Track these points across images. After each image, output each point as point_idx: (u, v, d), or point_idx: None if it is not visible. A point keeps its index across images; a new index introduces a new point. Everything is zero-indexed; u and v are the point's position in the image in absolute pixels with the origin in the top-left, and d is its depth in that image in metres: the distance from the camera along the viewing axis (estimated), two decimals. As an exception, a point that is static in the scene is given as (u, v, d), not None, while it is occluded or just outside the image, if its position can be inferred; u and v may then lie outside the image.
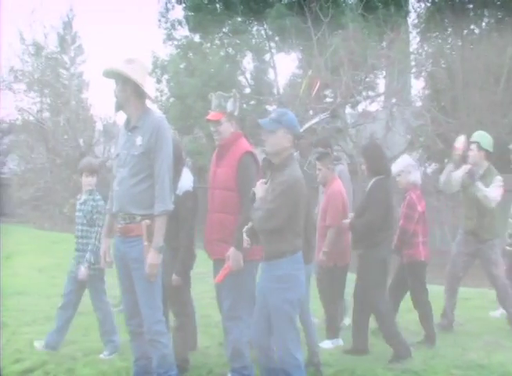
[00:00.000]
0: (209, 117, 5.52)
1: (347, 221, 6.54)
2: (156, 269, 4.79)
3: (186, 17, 21.29)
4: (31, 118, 23.66)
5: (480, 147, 7.24)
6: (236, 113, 5.52)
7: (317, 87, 4.70)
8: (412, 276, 7.08)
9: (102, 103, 47.83)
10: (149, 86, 5.10)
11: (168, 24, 22.18)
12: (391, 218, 6.46)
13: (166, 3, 21.99)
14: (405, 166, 7.08)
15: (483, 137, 7.34)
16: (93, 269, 6.33)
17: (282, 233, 4.75)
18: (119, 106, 5.05)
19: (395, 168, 7.10)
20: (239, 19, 20.81)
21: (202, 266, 5.85)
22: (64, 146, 19.85)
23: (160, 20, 22.22)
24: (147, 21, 57.44)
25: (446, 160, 16.16)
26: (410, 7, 19.22)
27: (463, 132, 7.77)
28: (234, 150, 5.40)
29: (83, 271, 6.29)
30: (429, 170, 15.91)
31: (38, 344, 6.50)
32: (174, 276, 5.68)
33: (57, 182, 20.25)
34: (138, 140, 4.87)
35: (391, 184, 6.68)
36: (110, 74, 4.97)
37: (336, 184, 7.04)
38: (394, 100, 14.92)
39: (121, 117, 6.04)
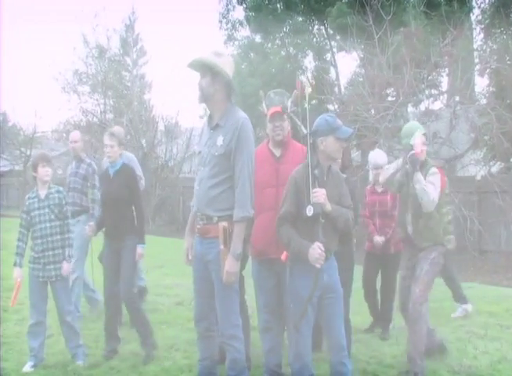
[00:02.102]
0: (277, 109, 5.35)
1: None
2: (233, 277, 4.61)
3: (247, 17, 21.35)
4: (95, 119, 24.13)
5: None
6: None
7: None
8: (395, 266, 7.21)
9: (164, 103, 48.35)
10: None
11: (229, 25, 22.31)
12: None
13: (227, 4, 22.11)
14: (386, 161, 7.20)
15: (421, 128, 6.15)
16: (61, 269, 6.06)
17: None
18: (203, 99, 4.83)
19: (378, 161, 7.18)
20: (300, 18, 20.79)
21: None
22: (127, 147, 20.02)
23: (221, 21, 22.37)
24: (208, 22, 58.04)
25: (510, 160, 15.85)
26: (474, 3, 18.89)
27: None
28: (294, 148, 5.39)
29: (67, 267, 6.07)
30: (494, 169, 15.60)
31: (27, 366, 6.06)
32: None
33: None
34: (219, 140, 4.70)
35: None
36: (199, 65, 4.76)
37: None
38: (457, 98, 14.65)
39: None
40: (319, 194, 4.55)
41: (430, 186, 5.67)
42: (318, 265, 4.54)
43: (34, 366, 6.02)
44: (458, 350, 6.57)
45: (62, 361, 6.18)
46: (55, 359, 6.03)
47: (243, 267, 5.82)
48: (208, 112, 5.02)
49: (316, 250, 4.53)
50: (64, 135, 27.15)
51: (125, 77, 29.29)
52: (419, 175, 5.72)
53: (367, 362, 6.12)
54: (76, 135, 8.58)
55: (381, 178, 6.28)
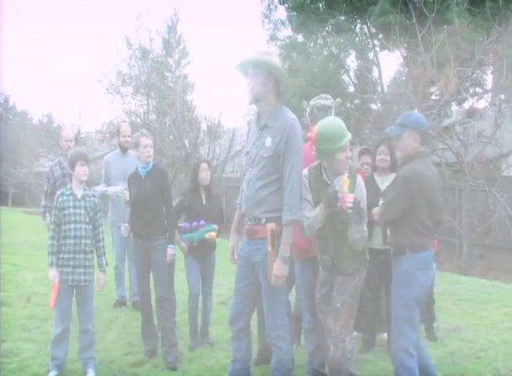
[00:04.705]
0: None
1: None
2: (281, 281, 4.57)
3: (289, 17, 21.38)
4: (138, 120, 24.29)
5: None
6: None
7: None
8: None
9: (206, 103, 48.50)
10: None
11: (271, 25, 22.41)
12: None
13: (269, 4, 22.16)
14: None
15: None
16: (90, 274, 5.84)
17: (401, 226, 4.83)
18: (255, 100, 4.73)
19: None
20: (342, 17, 20.74)
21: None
22: (170, 147, 20.22)
23: (263, 21, 22.45)
24: (250, 22, 58.24)
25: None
26: (519, -2, 18.61)
27: None
28: None
29: (103, 278, 5.88)
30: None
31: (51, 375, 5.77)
32: None
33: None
34: (268, 141, 4.64)
35: None
36: (251, 65, 4.67)
37: None
38: (502, 96, 14.44)
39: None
40: None
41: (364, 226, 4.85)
42: None
43: (59, 374, 5.78)
44: (504, 353, 6.48)
45: (107, 358, 6.24)
46: (100, 357, 6.07)
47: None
48: (253, 112, 4.96)
49: None
50: (108, 135, 27.44)
51: (168, 78, 29.40)
52: (364, 225, 4.84)
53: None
54: (70, 133, 8.38)
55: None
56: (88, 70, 52.40)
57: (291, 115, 4.69)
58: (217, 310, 7.04)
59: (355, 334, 6.31)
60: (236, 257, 5.06)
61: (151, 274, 6.40)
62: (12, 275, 10.81)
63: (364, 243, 4.91)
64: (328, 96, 5.53)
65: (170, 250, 6.29)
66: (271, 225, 4.58)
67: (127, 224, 6.50)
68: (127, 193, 6.78)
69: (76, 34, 79.96)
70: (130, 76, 27.19)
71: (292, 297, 6.14)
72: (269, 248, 4.57)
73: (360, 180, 4.91)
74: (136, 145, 6.48)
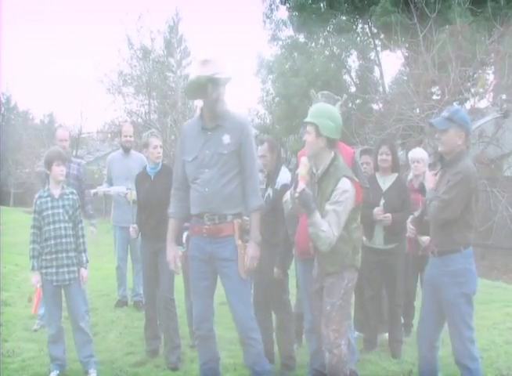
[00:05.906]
0: None
1: (389, 215, 6.32)
2: (256, 262, 4.77)
3: (291, 17, 21.33)
4: (140, 120, 24.31)
5: (318, 133, 4.63)
6: None
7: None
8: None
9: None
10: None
11: (273, 25, 22.36)
12: None
13: (270, 4, 22.13)
14: (426, 155, 7.11)
15: (322, 117, 4.66)
16: (74, 272, 5.78)
17: (456, 224, 4.81)
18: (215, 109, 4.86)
19: (416, 154, 7.05)
20: (344, 17, 20.70)
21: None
22: (171, 147, 20.23)
23: (264, 21, 22.42)
24: (252, 22, 58.23)
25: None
26: (521, -2, 18.56)
27: None
28: (342, 149, 5.34)
29: (85, 274, 5.82)
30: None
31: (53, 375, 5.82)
32: (275, 270, 5.62)
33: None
34: (226, 139, 4.77)
35: None
36: (196, 82, 4.80)
37: None
38: (504, 96, 14.43)
39: None
40: None
41: (325, 225, 4.42)
42: None
43: (60, 373, 5.82)
44: (506, 353, 6.49)
45: (108, 358, 6.25)
46: (101, 357, 6.09)
47: (287, 266, 5.82)
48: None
49: None
50: (109, 135, 27.47)
51: (169, 78, 29.38)
52: (315, 218, 4.44)
53: (413, 364, 6.06)
54: (65, 133, 8.06)
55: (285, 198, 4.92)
56: (90, 70, 52.56)
57: (239, 111, 4.94)
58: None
59: (356, 334, 6.35)
60: (179, 265, 5.17)
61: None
62: (14, 275, 10.84)
63: (325, 244, 4.46)
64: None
65: (179, 252, 6.28)
66: (238, 221, 4.80)
67: (135, 225, 6.45)
68: (132, 192, 6.74)
69: (77, 34, 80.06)
70: (131, 76, 27.16)
71: (293, 297, 6.18)
72: (239, 242, 4.77)
73: (344, 184, 4.50)
74: (146, 145, 6.42)
